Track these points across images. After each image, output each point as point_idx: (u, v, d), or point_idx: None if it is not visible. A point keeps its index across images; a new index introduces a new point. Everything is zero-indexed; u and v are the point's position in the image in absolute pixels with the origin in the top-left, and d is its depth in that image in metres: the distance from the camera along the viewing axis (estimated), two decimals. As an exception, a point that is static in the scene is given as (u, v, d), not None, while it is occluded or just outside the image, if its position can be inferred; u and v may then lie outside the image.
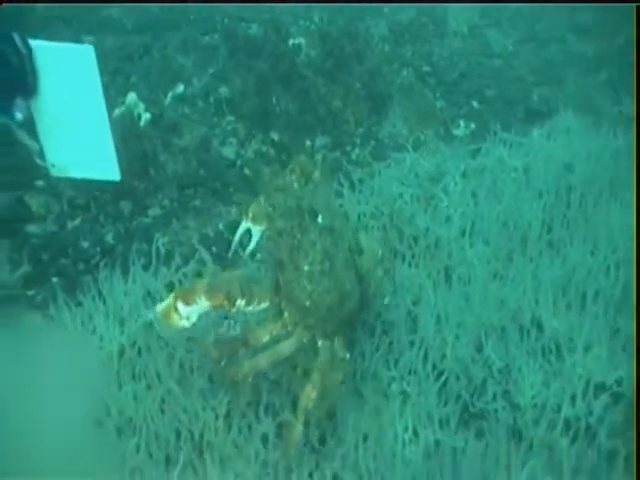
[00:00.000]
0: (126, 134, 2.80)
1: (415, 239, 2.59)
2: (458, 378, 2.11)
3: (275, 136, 3.10)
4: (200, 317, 1.65)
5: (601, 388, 2.06)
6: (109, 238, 2.53)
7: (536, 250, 2.57)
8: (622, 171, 2.79)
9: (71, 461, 1.66)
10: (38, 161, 1.87)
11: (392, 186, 2.80)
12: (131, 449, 1.84)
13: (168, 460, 1.83)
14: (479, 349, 2.20)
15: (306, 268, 1.72)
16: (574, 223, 2.68)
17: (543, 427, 1.97)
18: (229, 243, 2.56)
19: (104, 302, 2.20)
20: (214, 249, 2.54)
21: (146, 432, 1.87)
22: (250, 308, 1.67)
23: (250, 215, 2.08)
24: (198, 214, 2.69)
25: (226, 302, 1.61)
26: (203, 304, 1.60)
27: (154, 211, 2.69)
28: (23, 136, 1.85)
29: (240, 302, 1.62)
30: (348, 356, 1.86)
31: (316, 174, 2.01)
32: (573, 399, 2.04)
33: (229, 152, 2.98)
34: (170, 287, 2.26)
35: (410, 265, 2.51)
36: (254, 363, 1.77)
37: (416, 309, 2.30)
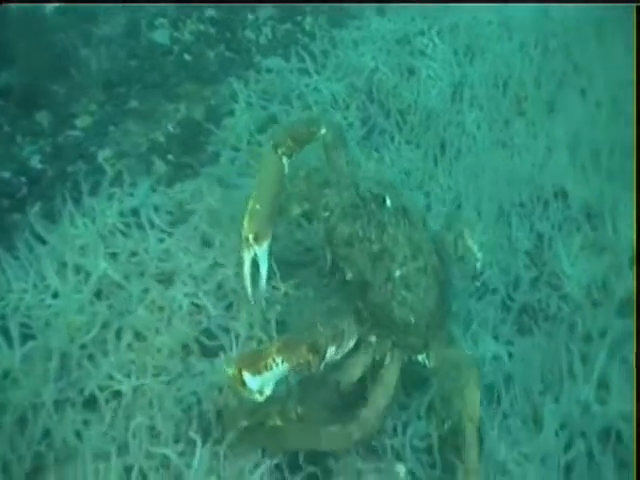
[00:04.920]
0: (31, 28, 1.96)
1: (402, 114, 1.98)
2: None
3: (211, 12, 2.31)
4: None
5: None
6: (34, 162, 1.78)
7: (535, 110, 2.03)
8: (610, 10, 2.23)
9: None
10: None
11: (363, 55, 2.13)
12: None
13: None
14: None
15: (398, 273, 1.17)
16: (567, 74, 2.13)
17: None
18: (186, 145, 1.89)
19: (45, 244, 1.51)
20: (170, 157, 1.84)
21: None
22: (341, 353, 1.14)
23: (250, 235, 1.34)
24: (140, 117, 1.95)
25: (311, 356, 1.06)
26: (280, 369, 1.06)
27: (83, 120, 1.93)
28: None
29: (331, 349, 1.10)
30: None
31: (322, 131, 1.40)
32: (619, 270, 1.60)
33: (161, 37, 2.19)
34: (135, 212, 1.57)
35: (402, 143, 1.92)
36: (375, 408, 1.17)
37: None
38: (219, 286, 1.51)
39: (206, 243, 1.59)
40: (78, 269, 1.46)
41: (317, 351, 1.05)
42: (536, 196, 1.77)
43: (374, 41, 2.20)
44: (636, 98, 1.65)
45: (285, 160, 1.38)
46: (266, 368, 1.05)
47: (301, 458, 1.22)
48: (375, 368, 1.22)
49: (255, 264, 1.38)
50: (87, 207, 1.59)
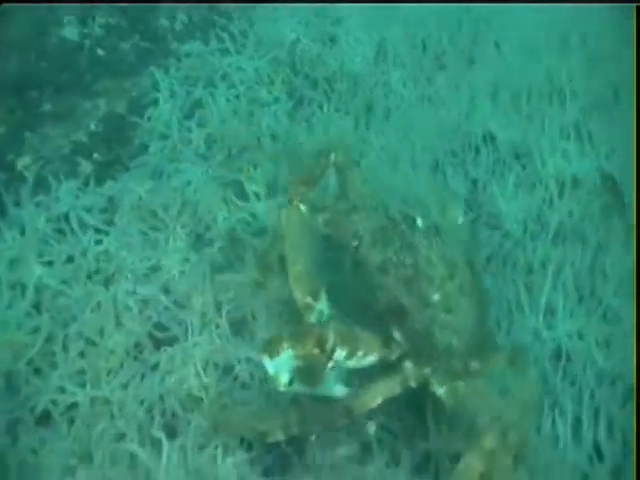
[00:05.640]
0: None
1: (329, 82, 1.91)
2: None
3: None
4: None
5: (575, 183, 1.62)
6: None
7: (454, 64, 1.99)
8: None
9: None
10: None
11: (282, 29, 2.03)
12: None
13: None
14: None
15: (436, 297, 1.07)
16: (480, 31, 2.09)
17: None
18: (111, 141, 1.76)
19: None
20: (96, 155, 1.71)
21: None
22: (353, 362, 1.04)
23: (308, 298, 1.19)
24: (58, 119, 1.80)
25: (317, 351, 0.99)
26: (288, 355, 0.99)
27: (-5, 128, 1.76)
28: None
29: (340, 352, 1.00)
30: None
31: (332, 157, 1.32)
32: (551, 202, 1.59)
33: (70, 33, 2.02)
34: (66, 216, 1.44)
35: (331, 111, 1.85)
36: None
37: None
38: (165, 281, 1.42)
39: (146, 238, 1.49)
40: (12, 283, 1.33)
41: (322, 348, 0.97)
42: (467, 144, 1.73)
43: (292, 15, 2.11)
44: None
45: (303, 207, 1.26)
46: (277, 353, 1.00)
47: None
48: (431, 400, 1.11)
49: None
50: (13, 218, 1.46)
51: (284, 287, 1.38)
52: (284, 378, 1.02)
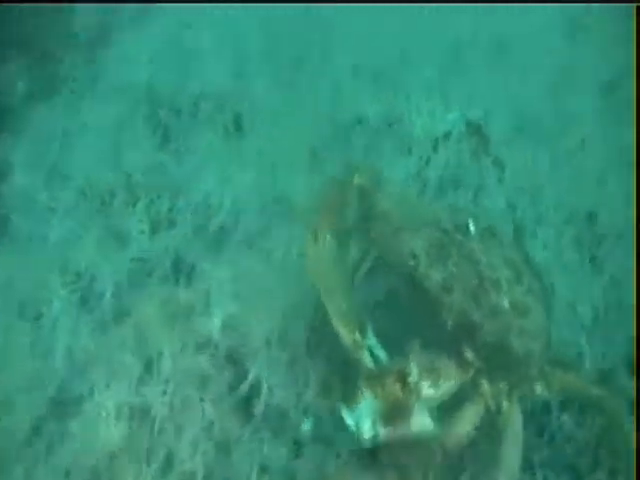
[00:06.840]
0: None
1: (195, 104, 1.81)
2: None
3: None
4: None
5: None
6: None
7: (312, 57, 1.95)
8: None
9: None
10: None
11: (135, 69, 1.92)
12: None
13: None
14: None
15: (506, 303, 0.96)
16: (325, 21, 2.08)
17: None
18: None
19: None
20: None
21: None
22: (438, 393, 0.92)
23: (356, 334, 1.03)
24: None
25: (400, 389, 0.87)
26: (368, 400, 0.87)
27: None
28: None
29: (426, 386, 0.90)
30: None
31: (356, 181, 1.19)
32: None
33: None
34: None
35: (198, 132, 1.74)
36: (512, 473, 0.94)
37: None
38: (58, 352, 1.25)
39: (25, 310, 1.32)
40: None
41: (404, 382, 0.87)
42: (340, 127, 1.69)
43: (141, 52, 1.98)
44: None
45: (329, 237, 1.13)
46: (356, 402, 0.88)
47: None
48: (490, 420, 0.98)
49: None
50: None
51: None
52: (366, 425, 0.88)
